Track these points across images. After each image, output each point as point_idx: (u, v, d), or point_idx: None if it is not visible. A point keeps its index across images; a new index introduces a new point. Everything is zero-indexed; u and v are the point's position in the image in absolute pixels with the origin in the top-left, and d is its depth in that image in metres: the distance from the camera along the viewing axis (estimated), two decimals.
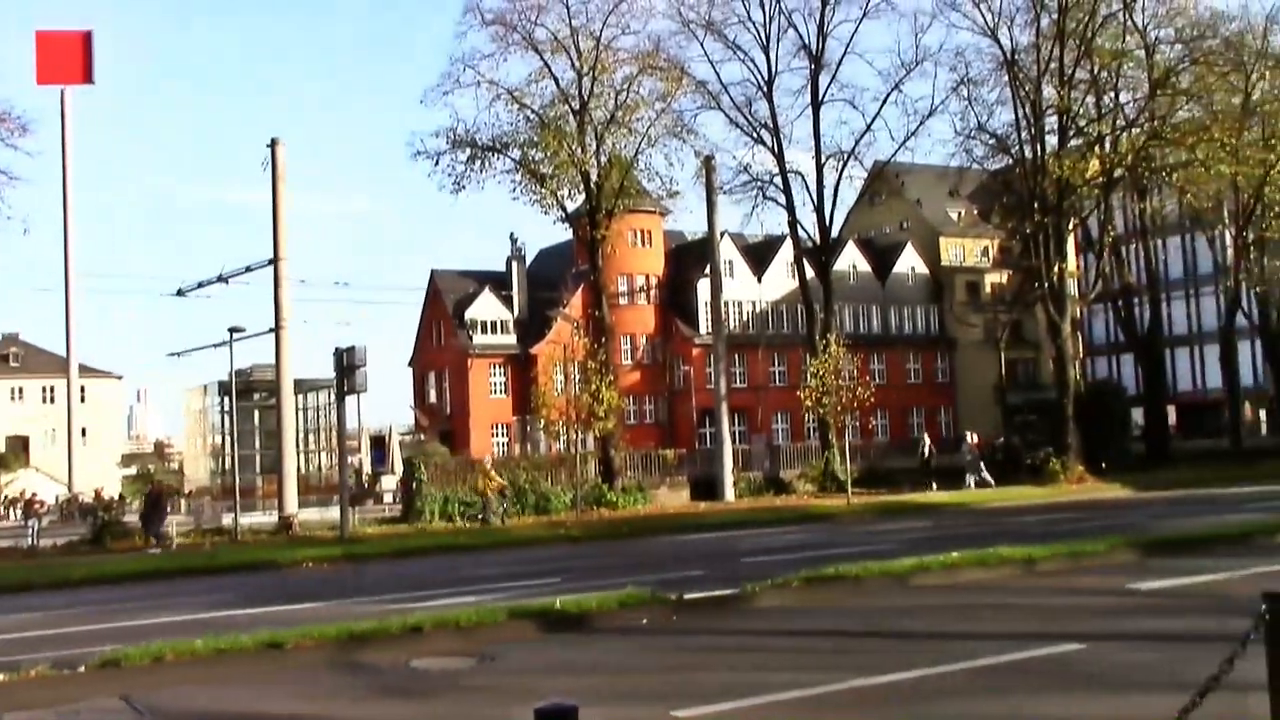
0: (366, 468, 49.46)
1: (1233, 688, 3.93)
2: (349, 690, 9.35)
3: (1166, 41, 42.74)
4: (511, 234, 75.91)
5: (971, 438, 40.27)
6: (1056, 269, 40.91)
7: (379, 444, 49.88)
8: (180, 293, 34.60)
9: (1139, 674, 8.35)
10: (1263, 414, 64.97)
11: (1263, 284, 48.98)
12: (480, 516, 31.17)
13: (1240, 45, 43.86)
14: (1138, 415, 52.26)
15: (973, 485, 36.59)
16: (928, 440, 43.40)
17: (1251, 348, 58.70)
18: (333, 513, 31.30)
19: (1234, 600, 10.78)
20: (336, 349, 28.00)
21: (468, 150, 38.17)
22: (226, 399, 38.22)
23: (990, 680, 8.40)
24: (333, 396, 33.12)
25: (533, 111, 38.45)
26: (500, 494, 32.03)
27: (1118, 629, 10.28)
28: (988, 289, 75.89)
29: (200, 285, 33.95)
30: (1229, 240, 49.47)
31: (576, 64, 38.08)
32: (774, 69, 42.73)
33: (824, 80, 42.87)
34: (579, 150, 37.93)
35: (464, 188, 38.62)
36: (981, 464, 37.79)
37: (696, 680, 8.92)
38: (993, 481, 37.05)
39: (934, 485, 37.28)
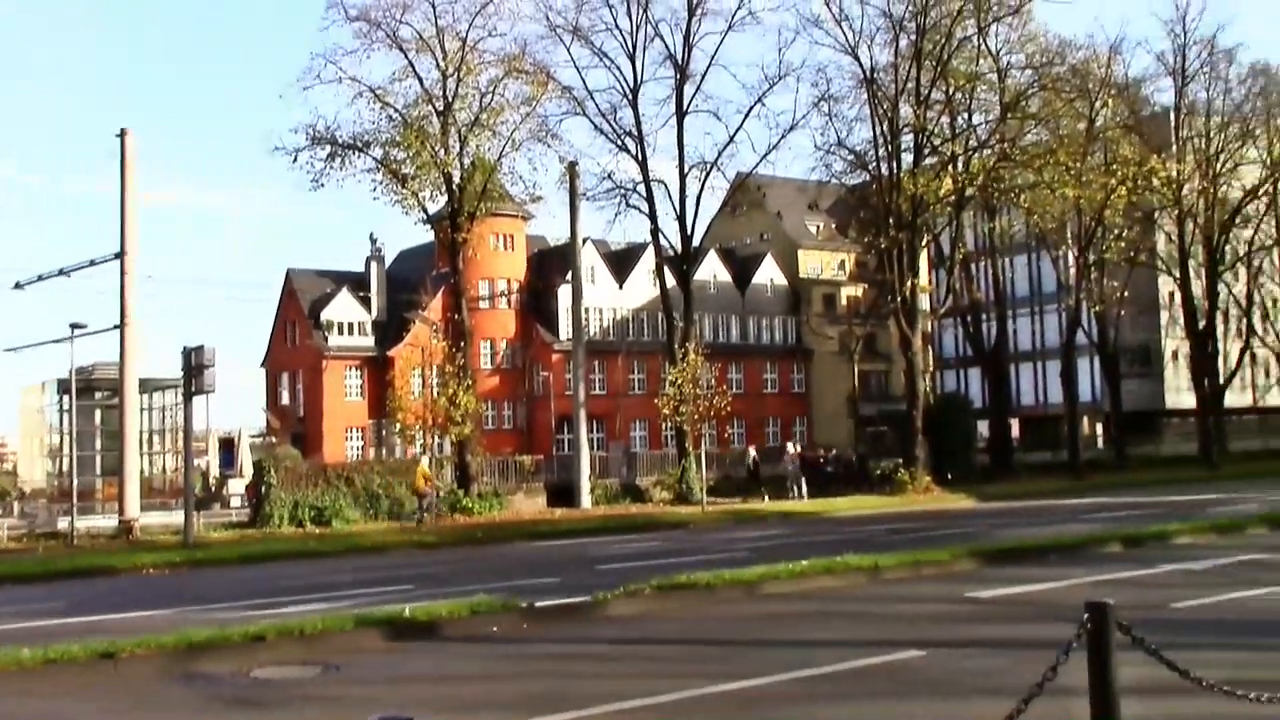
0: (214, 471, 48.07)
1: (1057, 693, 4.06)
2: (186, 701, 9.05)
3: (1018, 67, 44.39)
4: (371, 234, 74.88)
5: (792, 448, 41.24)
6: (909, 284, 41.96)
7: (228, 446, 48.46)
8: (18, 286, 33.21)
9: (974, 680, 8.59)
10: (1099, 428, 67.73)
11: (1102, 303, 51.08)
12: (418, 515, 31.92)
13: (1086, 73, 45.77)
14: (983, 427, 54.01)
15: (797, 495, 37.28)
16: (753, 451, 44.48)
17: (1090, 364, 61.10)
18: (177, 517, 30.36)
19: (1065, 608, 11.16)
20: (184, 348, 27.16)
21: (327, 147, 37.41)
22: (66, 397, 36.76)
23: (834, 686, 8.54)
24: (180, 396, 32.12)
25: (395, 110, 37.88)
26: (437, 493, 33.24)
27: (956, 636, 10.57)
28: (844, 301, 77.53)
29: (40, 278, 32.61)
30: (1072, 261, 51.41)
31: (441, 64, 37.63)
32: (640, 77, 43.00)
33: (689, 90, 43.29)
34: (442, 151, 37.52)
35: (323, 185, 37.98)
36: (803, 477, 38.50)
37: (544, 688, 8.87)
38: (805, 495, 37.70)
39: (765, 495, 37.99)
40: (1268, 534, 19.60)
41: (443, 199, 39.05)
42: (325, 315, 66.32)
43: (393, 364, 51.47)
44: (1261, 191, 56.40)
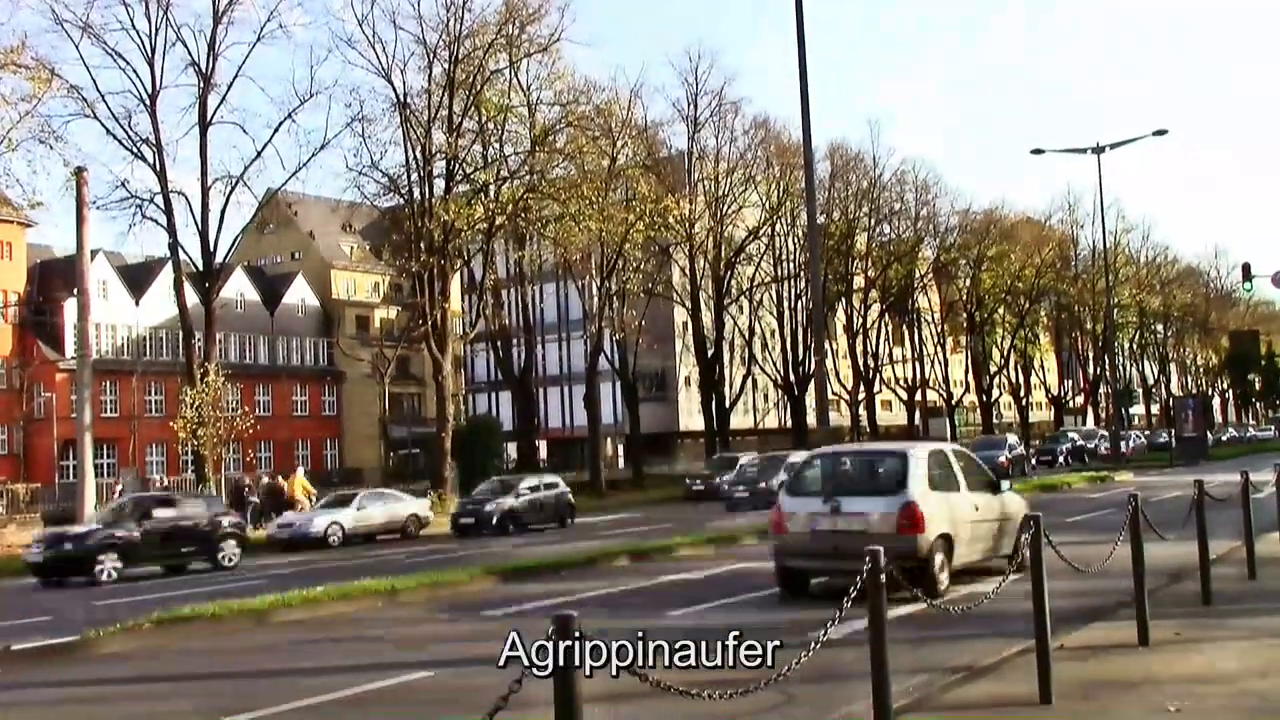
0: None
1: (523, 705, 4.23)
2: None
3: (547, 103, 46.06)
4: None
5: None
6: (440, 308, 42.33)
7: None
8: None
9: (472, 698, 8.69)
10: (620, 448, 71.53)
11: (622, 331, 54.05)
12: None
13: (609, 114, 48.38)
14: (513, 449, 55.48)
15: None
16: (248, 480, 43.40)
17: (613, 389, 64.39)
18: None
19: None
20: None
21: None
22: None
23: (339, 713, 8.42)
24: None
25: None
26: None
27: (466, 655, 10.72)
28: (377, 324, 77.03)
29: None
30: (595, 290, 53.99)
31: None
32: (159, 83, 40.37)
33: (213, 101, 41.18)
34: None
35: None
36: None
37: None
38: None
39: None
40: (757, 544, 21.45)
41: None
42: None
43: None
44: (761, 232, 62.21)
